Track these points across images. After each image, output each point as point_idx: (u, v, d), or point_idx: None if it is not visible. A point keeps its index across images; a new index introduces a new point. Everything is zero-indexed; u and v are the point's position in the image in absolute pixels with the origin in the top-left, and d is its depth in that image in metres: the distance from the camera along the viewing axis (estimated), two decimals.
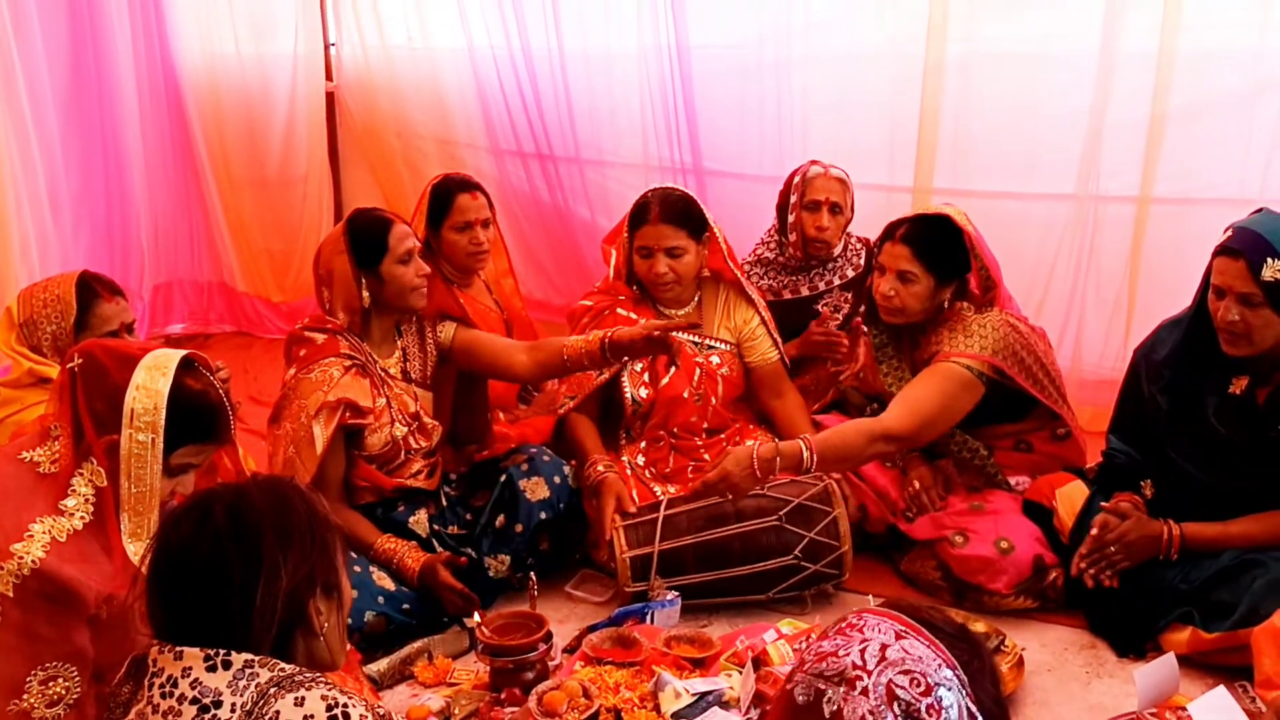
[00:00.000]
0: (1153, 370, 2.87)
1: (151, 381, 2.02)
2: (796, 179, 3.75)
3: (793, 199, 3.74)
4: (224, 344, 5.34)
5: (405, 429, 3.01)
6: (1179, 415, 2.79)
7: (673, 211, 3.29)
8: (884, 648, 1.29)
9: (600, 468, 3.16)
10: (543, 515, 3.05)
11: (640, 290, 3.41)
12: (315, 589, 1.50)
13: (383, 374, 3.01)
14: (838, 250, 3.79)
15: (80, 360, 2.06)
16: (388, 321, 3.05)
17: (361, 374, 2.93)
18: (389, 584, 2.86)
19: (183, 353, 2.09)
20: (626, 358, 3.13)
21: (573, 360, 3.08)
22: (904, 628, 1.31)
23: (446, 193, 3.67)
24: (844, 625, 1.35)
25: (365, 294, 2.93)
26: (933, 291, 3.09)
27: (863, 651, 1.29)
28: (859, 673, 1.27)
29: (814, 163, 3.77)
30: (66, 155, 4.80)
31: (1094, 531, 2.78)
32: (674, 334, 3.00)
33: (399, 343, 3.10)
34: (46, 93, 4.65)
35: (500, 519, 3.05)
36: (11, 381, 2.85)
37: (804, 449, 2.84)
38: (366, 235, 2.93)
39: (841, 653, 1.30)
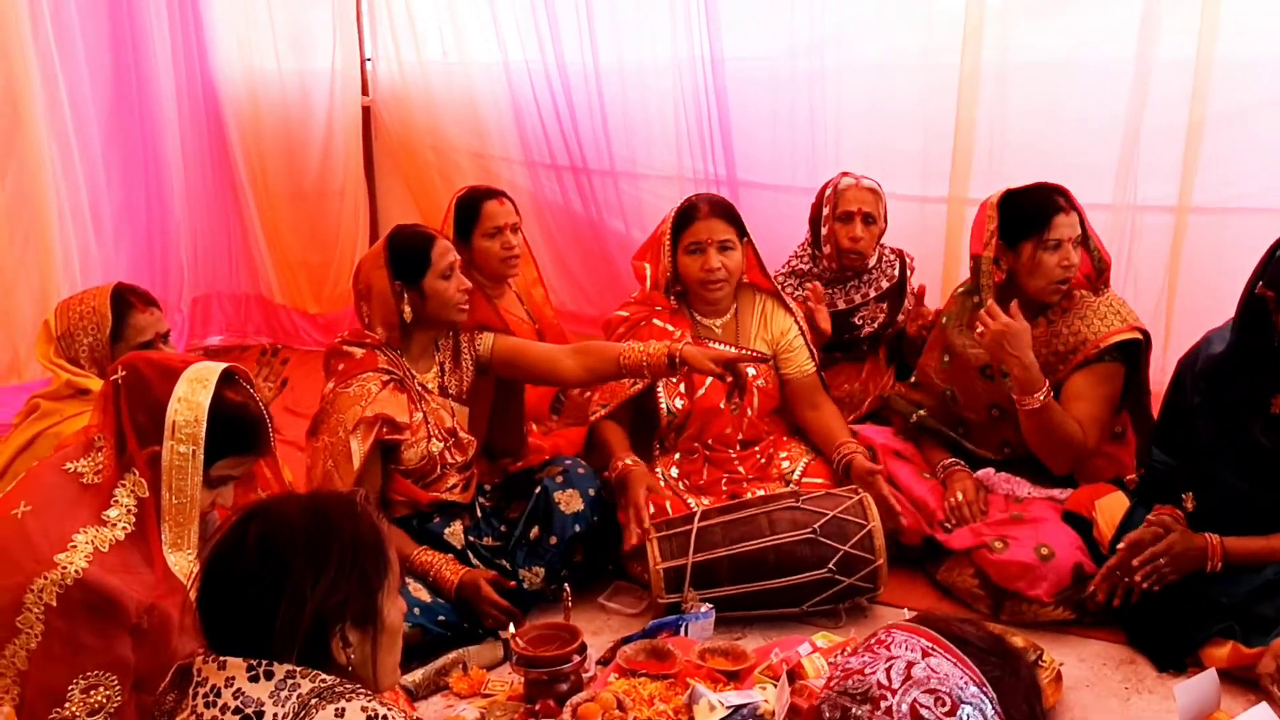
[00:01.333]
0: (1196, 382, 2.84)
1: (193, 394, 2.04)
2: (829, 191, 3.75)
3: (825, 211, 3.74)
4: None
5: (441, 444, 3.02)
6: (1221, 428, 2.76)
7: (721, 208, 3.33)
8: (910, 665, 1.28)
9: (627, 462, 3.16)
10: (576, 528, 3.05)
11: (678, 300, 3.40)
12: (345, 619, 1.47)
13: (420, 389, 3.02)
14: (872, 262, 3.78)
15: (124, 372, 2.08)
16: (427, 337, 3.06)
17: (399, 389, 2.95)
18: (425, 595, 2.88)
19: (223, 366, 2.12)
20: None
21: (629, 367, 3.03)
22: (932, 644, 1.30)
23: (473, 201, 3.72)
24: (873, 642, 1.34)
25: (407, 309, 2.94)
26: None
27: (889, 670, 1.29)
28: (884, 691, 1.26)
29: (845, 174, 3.77)
30: (108, 169, 4.87)
31: (1121, 546, 2.75)
32: (741, 365, 2.97)
33: (437, 357, 3.11)
34: (89, 107, 4.73)
35: (534, 531, 3.06)
36: (51, 394, 2.89)
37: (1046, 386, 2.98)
38: (409, 251, 2.95)
39: (868, 671, 1.29)
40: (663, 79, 4.55)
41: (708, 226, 3.28)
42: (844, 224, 3.70)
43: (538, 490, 3.09)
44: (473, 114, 5.04)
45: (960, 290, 3.37)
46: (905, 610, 2.88)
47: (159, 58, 5.05)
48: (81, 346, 2.87)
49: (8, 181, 4.38)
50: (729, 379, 2.95)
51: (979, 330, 3.05)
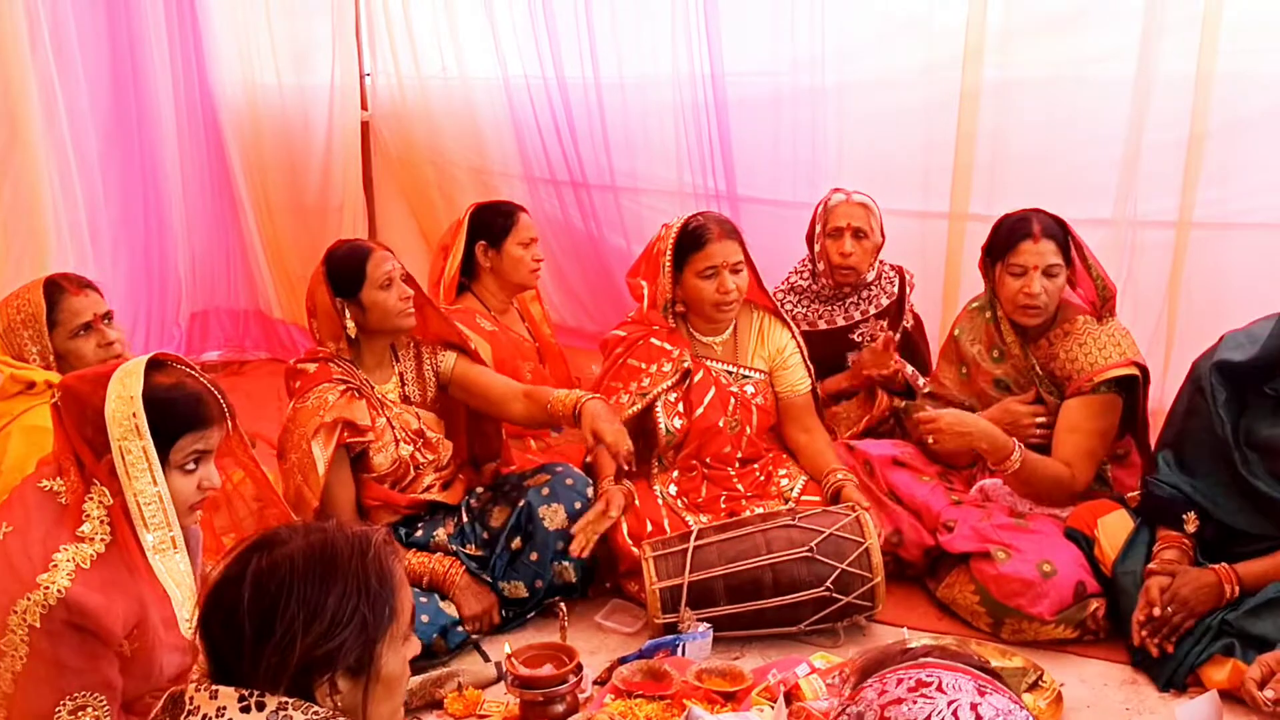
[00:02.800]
0: (1217, 382, 2.78)
1: (124, 389, 2.04)
2: (820, 209, 3.76)
3: (818, 228, 3.74)
4: (260, 370, 5.38)
5: (410, 446, 3.05)
6: (1239, 429, 2.74)
7: (729, 229, 3.31)
8: (974, 707, 1.24)
9: (606, 482, 3.15)
10: (559, 545, 3.04)
11: (676, 319, 3.38)
12: (335, 667, 1.43)
13: (380, 397, 3.06)
14: (870, 277, 3.77)
15: (59, 394, 2.08)
16: (380, 346, 3.11)
17: (357, 396, 2.99)
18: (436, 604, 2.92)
19: (148, 355, 2.11)
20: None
21: (554, 415, 3.06)
22: (981, 682, 1.26)
23: (510, 210, 3.83)
24: (915, 683, 1.28)
25: (350, 323, 3.00)
26: (1063, 285, 3.14)
27: (955, 714, 1.23)
28: None
29: (836, 190, 3.77)
30: (106, 184, 4.87)
31: (1139, 617, 2.72)
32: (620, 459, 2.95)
33: (396, 367, 3.15)
34: (87, 121, 4.73)
35: (516, 542, 3.06)
36: None
37: (1017, 447, 3.02)
38: (344, 266, 3.01)
39: (936, 718, 1.24)
40: (663, 94, 4.55)
41: (722, 250, 3.24)
42: (834, 240, 3.69)
43: (521, 503, 3.08)
44: (472, 129, 5.04)
45: (974, 304, 3.40)
46: (905, 629, 2.86)
47: (158, 71, 5.06)
48: (24, 340, 2.85)
49: (4, 196, 4.38)
50: (624, 463, 2.95)
51: (931, 441, 3.11)
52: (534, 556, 3.04)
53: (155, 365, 2.09)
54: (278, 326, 5.54)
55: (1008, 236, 3.15)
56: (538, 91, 4.76)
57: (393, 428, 3.03)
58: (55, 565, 1.97)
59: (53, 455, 2.14)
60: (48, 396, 2.44)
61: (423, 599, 2.92)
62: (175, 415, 2.06)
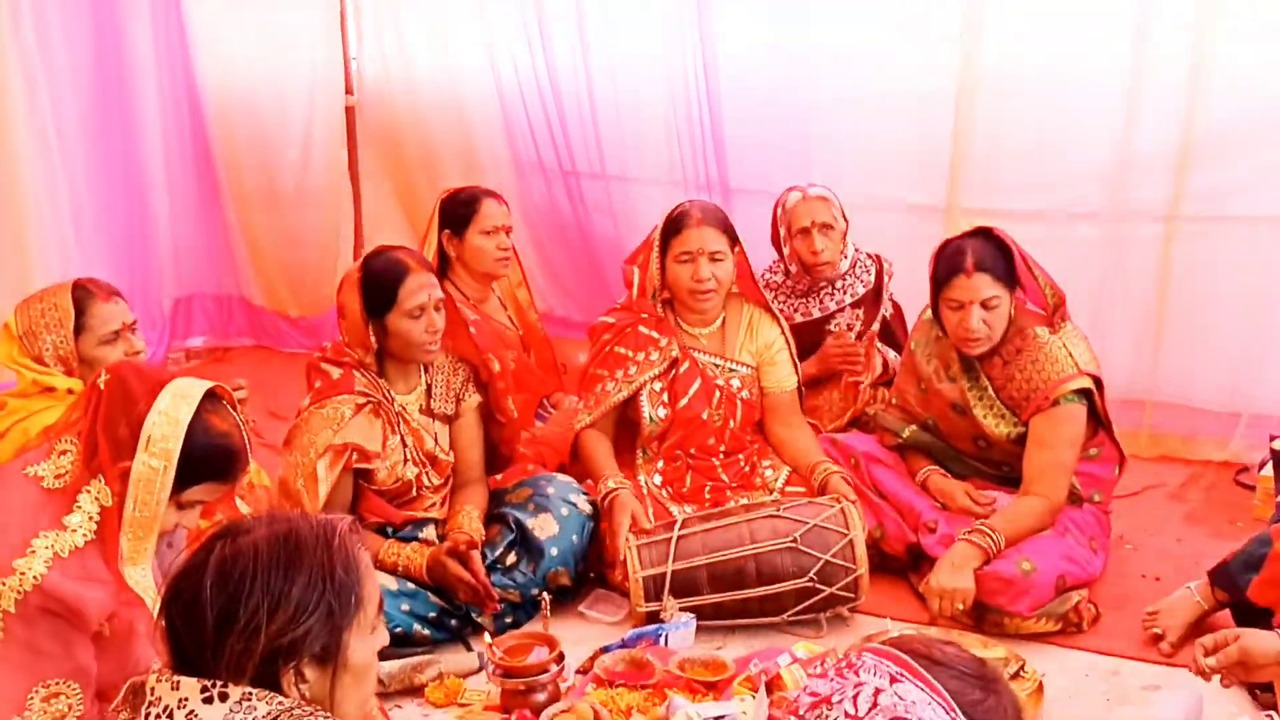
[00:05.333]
0: None
1: (174, 409, 2.02)
2: (778, 210, 3.77)
3: (783, 231, 3.75)
4: (243, 358, 5.38)
5: (417, 469, 3.03)
6: None
7: (713, 216, 3.30)
8: (877, 693, 1.27)
9: (611, 484, 3.16)
10: (554, 551, 3.05)
11: (664, 307, 3.40)
12: (301, 655, 1.41)
13: (399, 411, 3.02)
14: (844, 266, 3.77)
15: (109, 377, 2.07)
16: (403, 362, 3.03)
17: (375, 413, 2.94)
18: (406, 593, 2.89)
19: (210, 384, 2.10)
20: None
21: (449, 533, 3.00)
22: (901, 669, 1.29)
23: (472, 198, 3.76)
24: (843, 665, 1.33)
25: (372, 339, 2.94)
26: (1010, 306, 3.09)
27: (855, 698, 1.28)
28: None
29: (791, 189, 3.77)
30: (89, 169, 4.86)
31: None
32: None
33: (424, 378, 3.10)
34: (69, 106, 4.71)
35: (511, 558, 3.05)
36: (18, 393, 2.86)
37: (993, 542, 2.94)
38: (378, 282, 2.92)
39: (836, 699, 1.28)
40: (655, 82, 4.55)
41: (699, 236, 3.25)
42: (802, 239, 3.69)
43: (512, 521, 3.08)
44: (460, 115, 5.03)
45: (926, 316, 3.31)
46: (888, 620, 2.88)
47: (141, 56, 5.04)
48: (45, 344, 2.83)
49: None
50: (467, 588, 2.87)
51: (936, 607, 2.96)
52: (531, 568, 3.03)
53: (210, 396, 2.08)
54: (261, 314, 5.54)
55: (943, 270, 3.08)
56: (526, 77, 4.76)
57: (405, 446, 3.00)
58: (33, 551, 1.97)
59: (56, 429, 2.13)
60: (66, 402, 2.44)
61: (406, 586, 2.91)
62: (210, 463, 2.06)
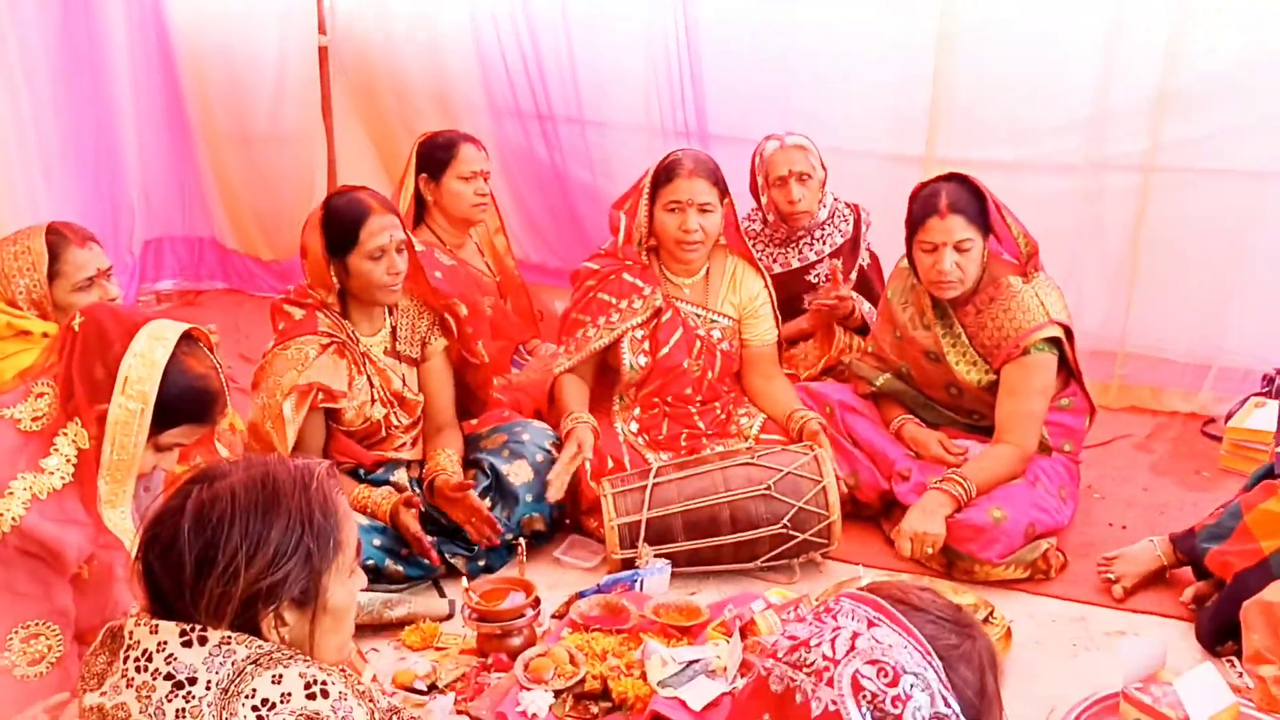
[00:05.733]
0: None
1: (150, 351, 2.02)
2: (756, 159, 3.78)
3: (760, 180, 3.76)
4: (215, 301, 5.35)
5: (385, 409, 3.03)
6: None
7: (705, 168, 3.29)
8: (854, 636, 1.30)
9: (568, 421, 3.17)
10: (529, 498, 3.08)
11: (649, 255, 3.39)
12: (281, 598, 1.42)
13: (364, 352, 3.02)
14: (823, 216, 3.79)
15: (83, 319, 2.06)
16: (366, 303, 3.03)
17: (340, 353, 2.95)
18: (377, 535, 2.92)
19: (186, 326, 2.09)
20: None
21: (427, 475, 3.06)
22: (879, 614, 1.32)
23: (450, 141, 3.75)
24: (821, 610, 1.36)
25: (334, 280, 2.94)
26: (983, 252, 3.11)
27: (833, 641, 1.30)
28: (827, 663, 1.28)
29: (769, 138, 3.78)
30: (57, 109, 4.78)
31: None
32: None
33: (390, 321, 3.09)
34: (37, 48, 4.62)
35: (486, 503, 3.05)
36: None
37: (965, 490, 2.98)
38: (340, 222, 2.91)
39: (814, 642, 1.31)
40: (634, 25, 4.51)
41: (689, 186, 3.24)
42: (780, 189, 3.71)
43: (487, 466, 3.10)
44: (435, 57, 4.97)
45: (903, 264, 3.34)
46: (860, 567, 2.92)
47: None
48: (18, 288, 2.81)
49: None
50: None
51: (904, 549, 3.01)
52: (505, 514, 3.06)
53: (187, 338, 2.07)
54: (233, 257, 5.50)
55: (917, 212, 3.11)
56: (504, 19, 4.70)
57: (372, 386, 3.00)
58: (11, 493, 1.98)
59: (33, 371, 2.12)
60: (41, 346, 2.42)
61: (380, 523, 2.94)
62: (187, 405, 2.07)
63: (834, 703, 1.26)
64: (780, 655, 1.33)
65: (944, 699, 1.28)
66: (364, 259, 2.90)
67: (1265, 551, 2.58)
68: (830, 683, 1.27)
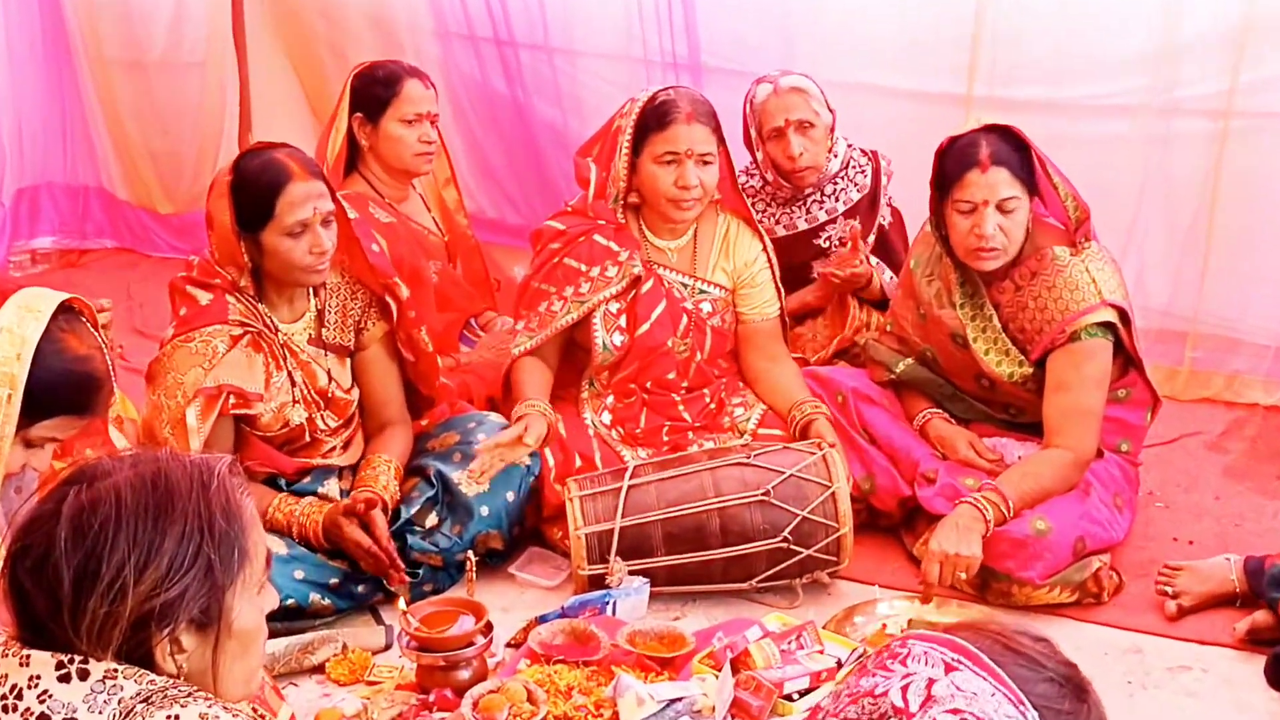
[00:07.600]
0: None
1: (20, 326, 2.02)
2: (747, 108, 3.75)
3: (753, 133, 3.74)
4: (103, 262, 5.35)
5: (309, 411, 3.02)
6: None
7: (703, 110, 3.28)
8: (930, 683, 1.27)
9: (522, 408, 3.17)
10: (484, 510, 3.09)
11: (626, 213, 3.38)
12: (177, 619, 1.41)
13: (284, 342, 3.00)
14: (834, 168, 3.76)
15: None
16: (285, 285, 3.01)
17: (254, 346, 2.93)
18: (299, 561, 2.92)
19: (64, 296, 2.09)
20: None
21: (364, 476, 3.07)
22: (959, 656, 1.29)
23: (392, 77, 3.73)
24: (885, 655, 1.33)
25: (245, 257, 2.91)
26: (1029, 215, 3.13)
27: (904, 689, 1.27)
28: (900, 716, 1.25)
29: (760, 81, 3.74)
30: None
31: None
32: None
33: (315, 303, 3.08)
34: None
35: (432, 519, 3.07)
36: None
37: (1002, 512, 2.95)
38: (252, 190, 2.87)
39: (879, 691, 1.28)
40: None
41: (689, 134, 3.22)
42: (776, 142, 3.67)
43: (433, 473, 3.11)
44: None
45: (929, 229, 3.33)
46: (876, 588, 2.95)
47: None
48: None
49: None
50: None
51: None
52: (456, 530, 3.07)
53: (66, 311, 2.07)
54: (125, 210, 5.49)
55: (952, 167, 3.11)
56: None
57: (293, 385, 3.00)
58: None
59: None
60: None
61: (300, 549, 2.94)
62: (63, 393, 2.06)
63: None
64: (841, 711, 1.30)
65: None
66: (282, 235, 2.87)
67: None
68: None
